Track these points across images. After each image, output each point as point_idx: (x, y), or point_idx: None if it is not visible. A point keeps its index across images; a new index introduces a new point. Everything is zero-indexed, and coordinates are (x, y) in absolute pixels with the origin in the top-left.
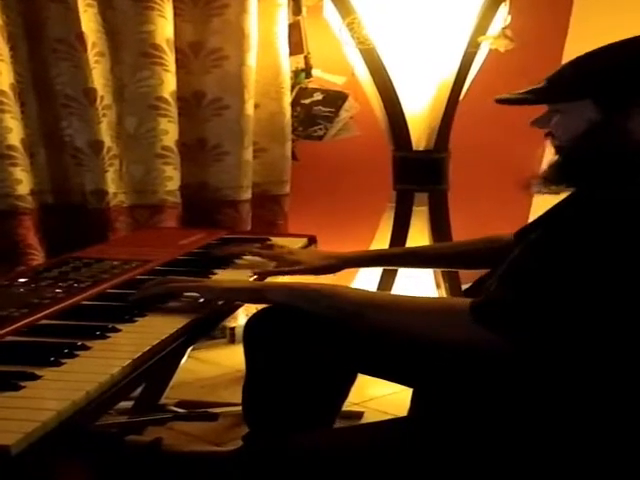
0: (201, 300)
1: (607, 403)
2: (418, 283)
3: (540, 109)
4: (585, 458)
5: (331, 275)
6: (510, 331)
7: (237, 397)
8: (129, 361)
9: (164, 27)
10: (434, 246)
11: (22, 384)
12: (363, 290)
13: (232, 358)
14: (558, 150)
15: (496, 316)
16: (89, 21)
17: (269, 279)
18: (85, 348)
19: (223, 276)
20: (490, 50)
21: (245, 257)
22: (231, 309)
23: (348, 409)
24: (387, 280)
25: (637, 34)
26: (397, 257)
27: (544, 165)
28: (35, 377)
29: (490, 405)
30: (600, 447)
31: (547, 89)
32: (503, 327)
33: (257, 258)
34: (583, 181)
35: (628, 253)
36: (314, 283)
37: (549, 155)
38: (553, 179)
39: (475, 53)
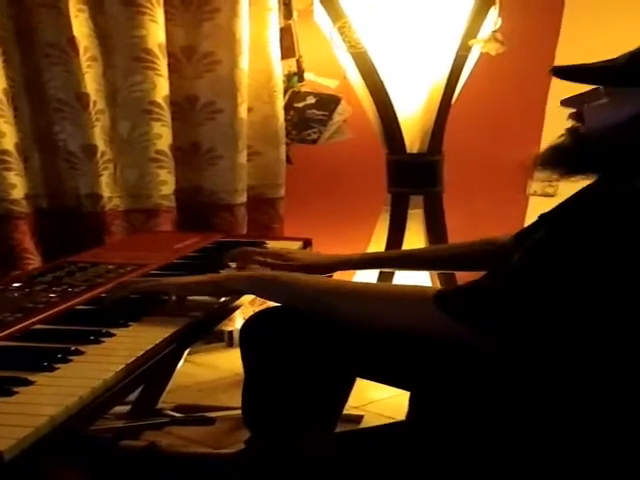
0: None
1: (586, 404)
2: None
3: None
4: (578, 458)
5: None
6: (471, 320)
7: (235, 401)
8: (123, 366)
9: (156, 32)
10: (430, 248)
11: (15, 389)
12: (324, 277)
13: (230, 362)
14: (572, 133)
15: (459, 303)
16: (80, 26)
17: None
18: (79, 353)
19: None
20: (481, 54)
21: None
22: (227, 312)
23: (348, 412)
24: (384, 282)
25: (628, 36)
26: (393, 259)
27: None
28: (28, 382)
29: (487, 407)
30: (585, 449)
31: (625, 69)
32: (466, 316)
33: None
34: (598, 171)
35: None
36: (275, 272)
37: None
38: (556, 161)
39: (466, 56)
